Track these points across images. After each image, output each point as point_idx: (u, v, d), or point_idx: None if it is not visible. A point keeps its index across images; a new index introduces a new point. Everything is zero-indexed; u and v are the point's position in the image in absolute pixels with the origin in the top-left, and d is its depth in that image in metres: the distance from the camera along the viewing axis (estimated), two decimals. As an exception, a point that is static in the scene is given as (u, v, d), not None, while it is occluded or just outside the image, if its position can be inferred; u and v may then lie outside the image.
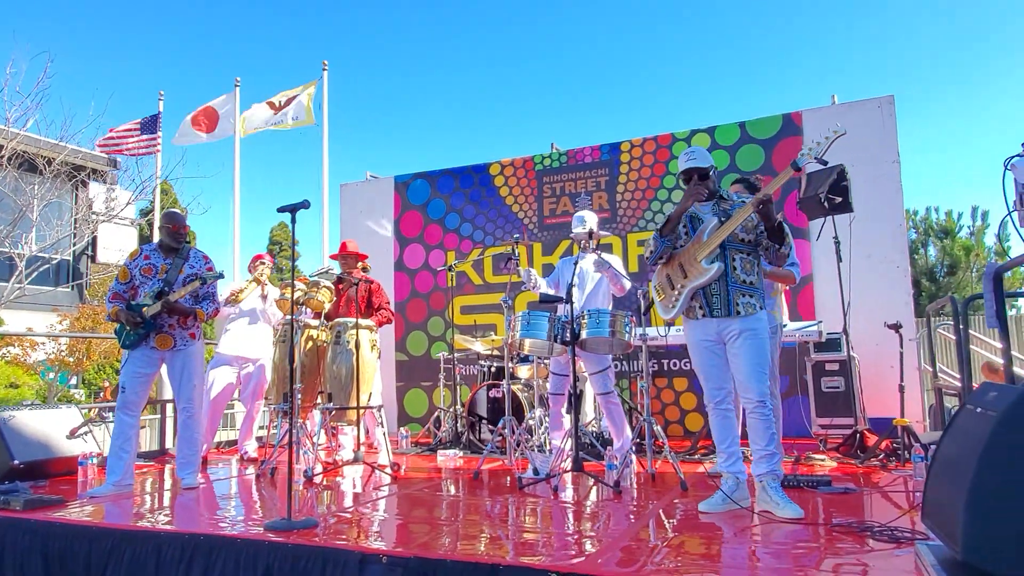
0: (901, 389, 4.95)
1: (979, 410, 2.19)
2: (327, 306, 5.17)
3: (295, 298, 4.04)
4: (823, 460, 4.64)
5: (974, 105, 45.49)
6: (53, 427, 4.97)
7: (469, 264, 7.58)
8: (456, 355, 6.48)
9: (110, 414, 7.65)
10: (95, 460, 4.76)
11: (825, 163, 3.35)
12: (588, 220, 4.90)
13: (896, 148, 6.17)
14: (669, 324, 4.16)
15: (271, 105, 12.13)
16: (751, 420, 3.31)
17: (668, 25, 60.48)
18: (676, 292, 3.49)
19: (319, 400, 5.12)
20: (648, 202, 7.00)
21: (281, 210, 3.38)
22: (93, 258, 17.06)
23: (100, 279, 15.96)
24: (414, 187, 8.14)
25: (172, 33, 42.67)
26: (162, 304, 4.23)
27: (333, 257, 5.50)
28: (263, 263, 5.87)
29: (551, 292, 4.78)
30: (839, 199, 4.81)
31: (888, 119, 6.23)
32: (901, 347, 5.06)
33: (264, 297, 5.77)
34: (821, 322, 5.45)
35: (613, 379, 4.78)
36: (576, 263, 4.71)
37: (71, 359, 14.52)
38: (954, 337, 5.21)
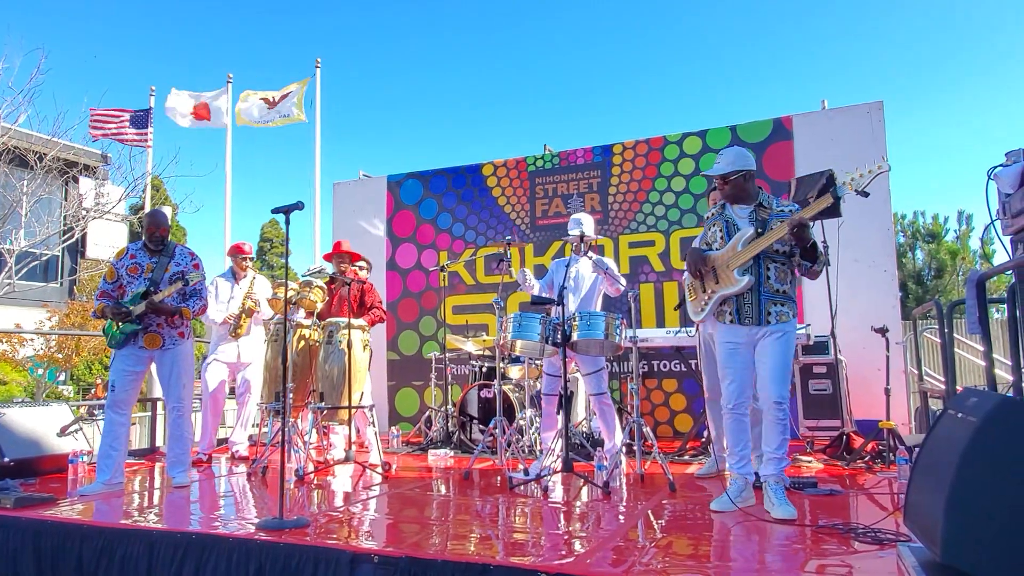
0: (887, 392, 5.02)
1: (960, 415, 2.24)
2: (319, 306, 5.19)
3: (287, 297, 4.05)
4: (810, 462, 4.70)
5: (960, 110, 45.91)
6: (44, 425, 4.96)
7: (461, 264, 7.61)
8: (447, 355, 6.51)
9: (100, 412, 7.63)
10: (85, 458, 4.76)
11: (867, 194, 3.41)
12: (583, 223, 4.87)
13: (884, 153, 6.24)
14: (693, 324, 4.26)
15: (266, 101, 12.11)
16: (766, 420, 3.37)
17: (661, 29, 60.68)
18: (706, 296, 3.52)
19: (311, 399, 5.14)
20: (640, 204, 7.05)
21: (275, 211, 3.39)
22: (83, 254, 16.99)
23: (89, 276, 15.89)
24: (407, 187, 8.16)
25: (165, 29, 42.55)
26: (146, 305, 4.23)
27: (327, 258, 5.51)
28: (247, 259, 5.85)
29: (544, 295, 4.80)
30: (827, 204, 4.86)
31: (877, 125, 6.30)
32: (887, 351, 5.13)
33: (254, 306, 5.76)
34: (809, 325, 5.51)
35: (607, 380, 4.82)
36: (568, 266, 4.72)
37: (60, 355, 14.46)
38: (939, 340, 5.29)
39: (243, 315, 5.66)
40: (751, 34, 58.39)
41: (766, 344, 3.36)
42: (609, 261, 4.90)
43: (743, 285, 3.35)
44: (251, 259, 5.86)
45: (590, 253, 4.85)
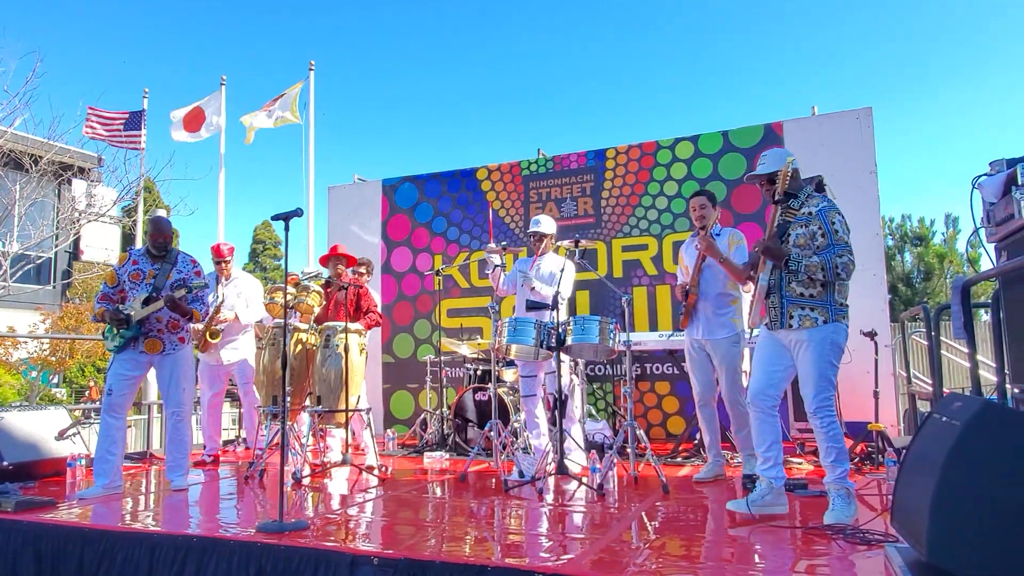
0: (876, 395, 5.09)
1: (944, 419, 2.31)
2: (316, 310, 5.23)
3: (285, 302, 4.10)
4: (800, 464, 4.77)
5: (948, 114, 46.30)
6: (42, 428, 4.99)
7: (456, 267, 7.66)
8: (442, 358, 6.55)
9: (95, 415, 7.64)
10: (83, 461, 4.79)
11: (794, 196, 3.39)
12: (541, 223, 5.15)
13: (873, 158, 6.32)
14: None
15: (266, 110, 12.16)
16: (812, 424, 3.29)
17: (654, 36, 60.90)
18: (751, 301, 3.54)
19: (307, 403, 5.18)
20: (632, 208, 7.12)
21: (275, 218, 3.44)
22: (76, 256, 16.96)
23: (83, 279, 15.86)
24: (402, 190, 8.21)
25: (159, 31, 42.44)
26: (165, 300, 4.25)
27: (322, 262, 5.54)
28: (223, 261, 5.77)
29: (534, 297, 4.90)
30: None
31: (866, 130, 6.38)
32: (876, 354, 5.20)
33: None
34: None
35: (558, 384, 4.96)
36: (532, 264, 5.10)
37: (53, 358, 14.42)
38: (927, 343, 5.37)
39: (207, 335, 5.52)
40: (743, 41, 58.74)
41: (797, 355, 3.33)
42: (558, 264, 5.01)
43: (759, 288, 3.38)
44: (226, 261, 5.80)
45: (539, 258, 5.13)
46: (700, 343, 4.36)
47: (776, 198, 3.34)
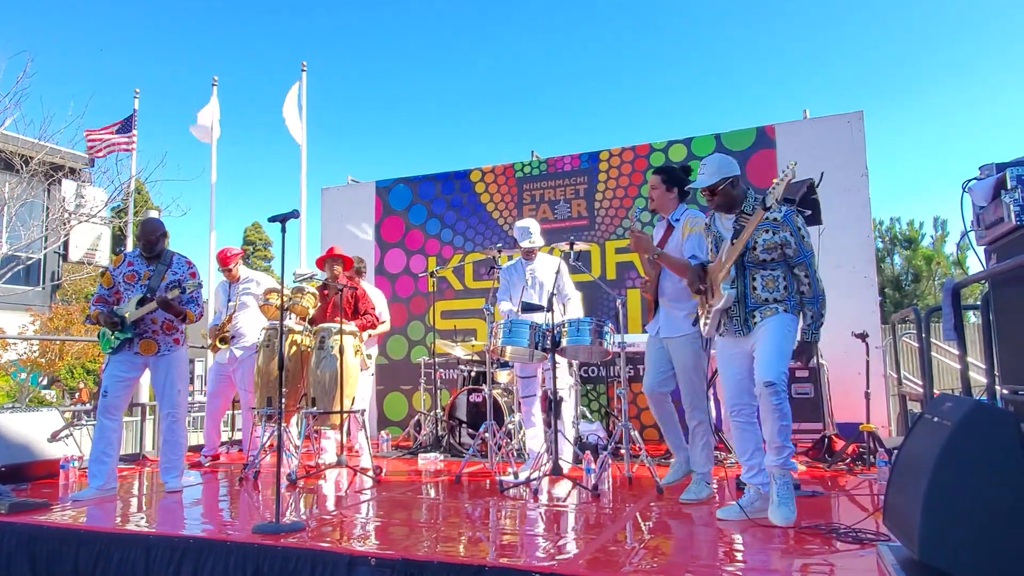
0: (867, 396, 5.14)
1: (936, 419, 2.34)
2: (312, 311, 5.23)
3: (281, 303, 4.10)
4: (792, 464, 4.79)
5: (938, 117, 46.68)
6: (34, 430, 4.97)
7: (450, 269, 7.67)
8: (436, 359, 6.56)
9: (87, 417, 7.61)
10: (76, 463, 4.78)
11: (793, 202, 3.40)
12: (532, 236, 5.13)
13: (864, 162, 6.38)
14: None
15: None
16: (760, 407, 3.21)
17: (649, 39, 61.20)
18: (707, 313, 3.44)
19: (302, 404, 5.17)
20: (626, 210, 7.15)
21: (272, 220, 3.44)
22: (65, 257, 16.85)
23: (73, 280, 15.77)
24: (395, 192, 8.21)
25: (151, 31, 42.25)
26: (157, 301, 4.25)
27: (319, 264, 5.54)
28: (225, 270, 5.79)
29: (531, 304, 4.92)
30: (809, 212, 4.98)
31: (857, 133, 6.44)
32: (867, 355, 5.25)
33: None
34: (792, 330, 5.62)
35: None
36: (526, 268, 5.08)
37: (43, 360, 14.34)
38: (917, 345, 5.42)
39: (217, 339, 5.65)
40: (736, 44, 59.08)
41: (757, 338, 3.22)
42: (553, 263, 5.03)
43: (726, 299, 3.25)
44: (228, 269, 5.81)
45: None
46: (660, 341, 4.00)
47: (767, 204, 3.18)
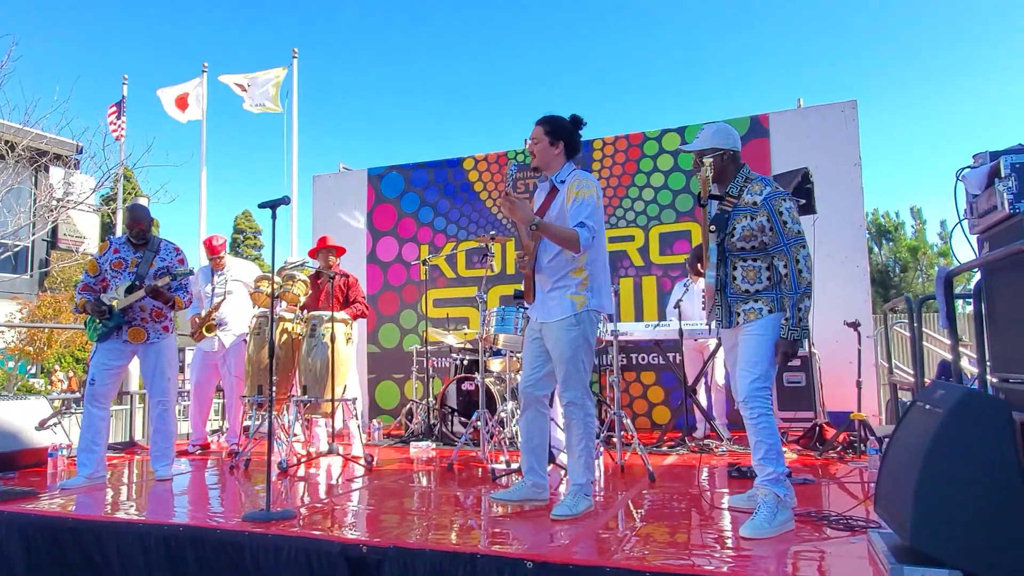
0: (859, 384, 5.16)
1: (927, 407, 2.35)
2: (303, 299, 5.20)
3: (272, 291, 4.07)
4: (784, 452, 4.81)
5: (930, 113, 46.86)
6: (22, 418, 4.93)
7: (442, 258, 7.64)
8: (429, 348, 6.54)
9: (75, 405, 7.55)
10: (64, 452, 4.74)
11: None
12: None
13: (858, 151, 6.39)
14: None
15: (240, 87, 12.04)
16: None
17: (642, 28, 61.04)
18: (703, 302, 3.28)
19: (293, 392, 5.15)
20: (619, 199, 7.13)
21: (262, 206, 3.41)
22: (54, 244, 16.71)
23: (61, 268, 15.63)
24: (388, 180, 8.16)
25: (139, 17, 41.79)
26: (147, 289, 4.21)
27: (311, 253, 5.50)
28: (214, 257, 5.69)
29: None
30: (803, 201, 4.99)
31: (851, 123, 6.44)
32: (859, 344, 5.27)
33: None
34: (784, 319, 5.63)
35: None
36: None
37: (31, 348, 14.24)
38: (909, 335, 5.44)
39: (203, 327, 5.48)
40: (730, 34, 58.99)
41: (740, 344, 3.05)
42: None
43: (705, 287, 3.09)
44: (219, 257, 5.73)
45: None
46: (537, 327, 3.35)
47: (702, 200, 3.00)
